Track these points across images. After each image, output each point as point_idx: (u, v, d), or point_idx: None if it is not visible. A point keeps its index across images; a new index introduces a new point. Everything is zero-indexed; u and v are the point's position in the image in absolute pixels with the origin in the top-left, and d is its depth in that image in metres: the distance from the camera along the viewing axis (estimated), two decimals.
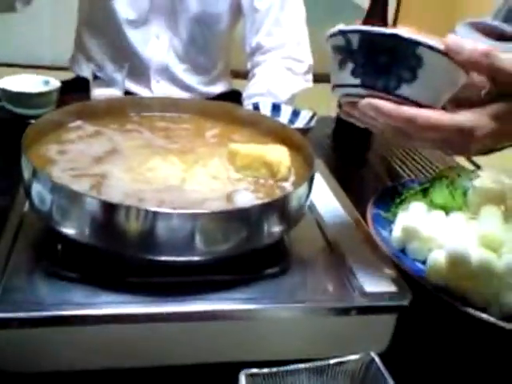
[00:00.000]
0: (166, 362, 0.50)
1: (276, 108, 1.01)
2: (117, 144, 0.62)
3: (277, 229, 0.52)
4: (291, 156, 0.60)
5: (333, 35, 0.49)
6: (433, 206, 0.72)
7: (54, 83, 1.00)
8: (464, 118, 0.48)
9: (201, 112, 0.70)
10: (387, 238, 0.69)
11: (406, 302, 0.52)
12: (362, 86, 0.48)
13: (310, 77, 1.32)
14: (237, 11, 1.32)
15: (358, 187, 0.84)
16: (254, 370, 0.46)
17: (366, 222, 0.71)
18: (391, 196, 0.78)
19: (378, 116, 0.48)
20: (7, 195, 0.62)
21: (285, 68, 1.28)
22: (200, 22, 1.29)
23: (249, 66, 1.33)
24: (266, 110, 0.99)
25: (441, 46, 0.46)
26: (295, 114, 1.00)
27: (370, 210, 0.73)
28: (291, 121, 0.99)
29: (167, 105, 0.70)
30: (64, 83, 1.04)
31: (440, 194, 0.73)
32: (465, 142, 0.49)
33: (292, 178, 0.59)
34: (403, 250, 0.69)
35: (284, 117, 1.00)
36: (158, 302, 0.48)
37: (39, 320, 0.46)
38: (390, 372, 0.46)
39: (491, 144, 0.51)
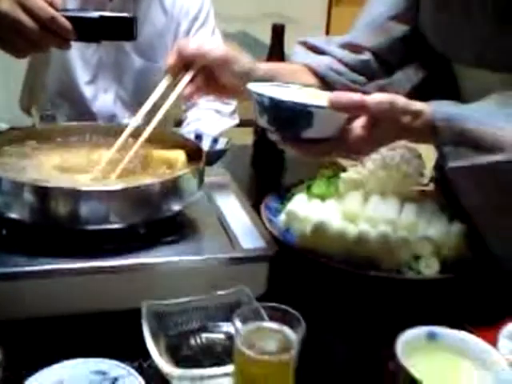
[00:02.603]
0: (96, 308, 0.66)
1: (198, 137, 1.20)
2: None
3: (173, 204, 0.70)
4: (189, 159, 0.78)
5: (252, 91, 0.67)
6: (313, 196, 0.91)
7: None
8: None
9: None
10: (275, 221, 0.88)
11: (271, 253, 0.70)
12: (276, 132, 0.67)
13: (236, 115, 1.53)
14: None
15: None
16: (155, 302, 0.62)
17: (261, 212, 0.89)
18: (286, 192, 0.96)
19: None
20: None
21: (213, 110, 1.48)
22: (143, 73, 1.44)
23: (183, 108, 1.53)
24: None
25: (324, 103, 0.62)
26: (215, 140, 1.20)
27: (265, 202, 0.91)
28: (211, 146, 1.18)
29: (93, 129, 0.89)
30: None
31: (318, 186, 0.92)
32: None
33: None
34: (288, 230, 0.87)
35: (206, 143, 1.19)
36: (85, 259, 0.65)
37: None
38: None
39: None
